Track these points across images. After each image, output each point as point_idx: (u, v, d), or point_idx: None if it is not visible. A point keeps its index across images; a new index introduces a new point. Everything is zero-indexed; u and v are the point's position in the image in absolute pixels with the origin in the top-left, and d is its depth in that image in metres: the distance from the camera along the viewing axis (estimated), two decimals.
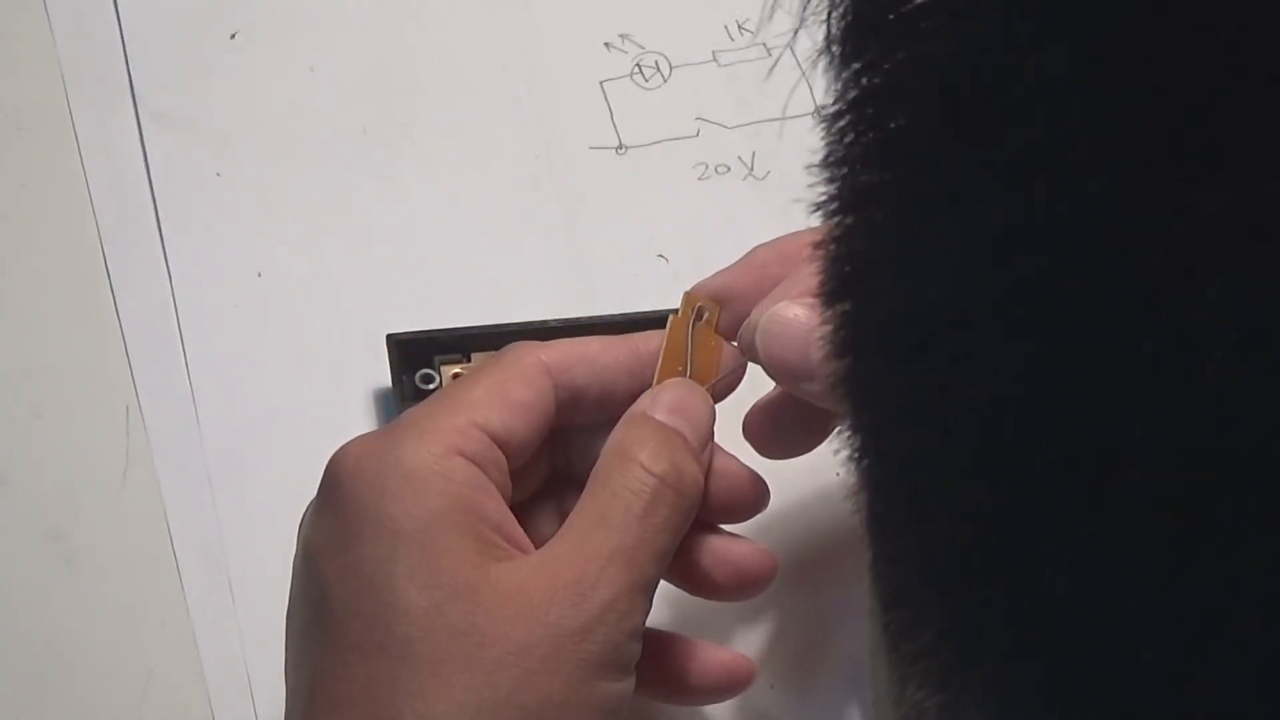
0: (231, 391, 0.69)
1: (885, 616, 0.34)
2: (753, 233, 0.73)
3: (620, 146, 0.75)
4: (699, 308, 0.60)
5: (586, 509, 0.54)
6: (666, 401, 0.57)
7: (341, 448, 0.54)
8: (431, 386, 0.67)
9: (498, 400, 0.55)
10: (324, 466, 0.54)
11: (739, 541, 0.59)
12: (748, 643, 0.64)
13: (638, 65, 0.77)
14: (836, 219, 0.33)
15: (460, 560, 0.52)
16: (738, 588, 0.58)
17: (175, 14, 0.77)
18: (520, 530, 0.54)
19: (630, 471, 0.54)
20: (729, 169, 0.75)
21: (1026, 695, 0.31)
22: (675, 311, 0.60)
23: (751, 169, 0.75)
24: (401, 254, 0.72)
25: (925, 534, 0.33)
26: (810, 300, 0.56)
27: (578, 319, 0.68)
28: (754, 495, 0.59)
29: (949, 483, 0.32)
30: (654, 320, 0.68)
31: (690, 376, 0.59)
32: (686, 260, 0.73)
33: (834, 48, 0.32)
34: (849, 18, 0.32)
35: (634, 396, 0.58)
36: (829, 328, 0.34)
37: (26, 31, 0.76)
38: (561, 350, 0.57)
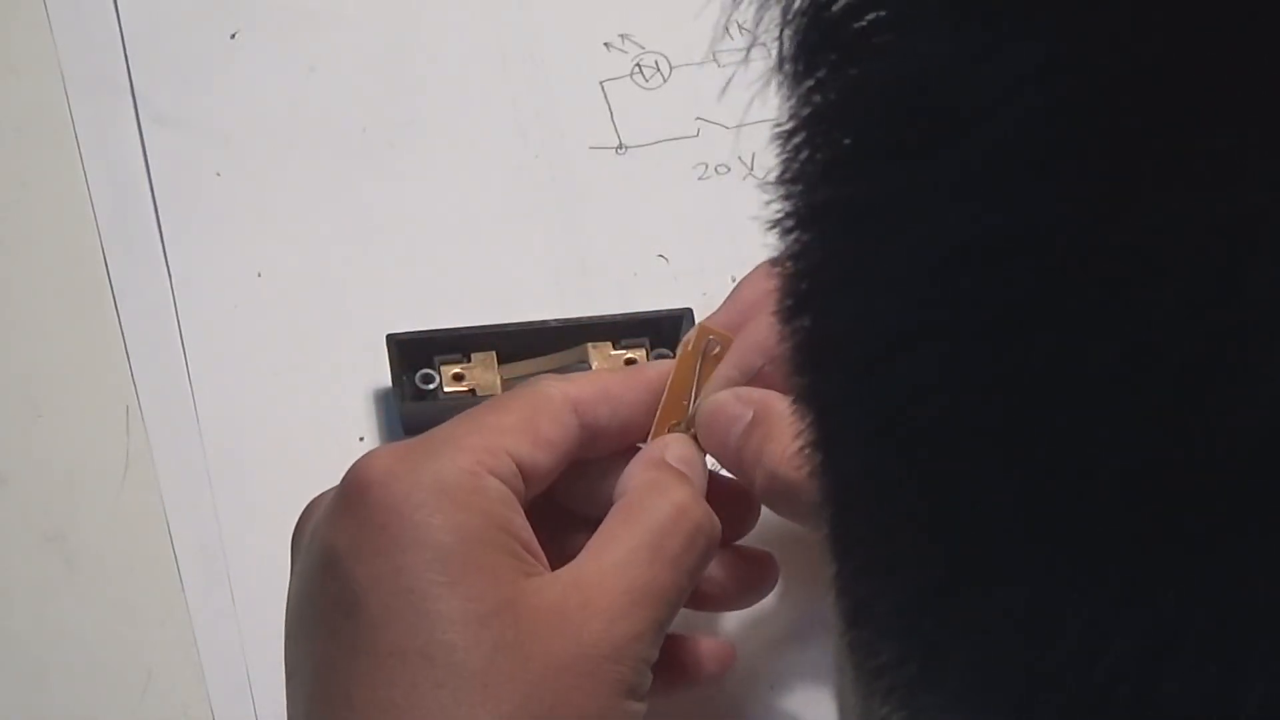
0: (231, 391, 0.69)
1: (848, 633, 0.34)
2: (753, 233, 0.73)
3: (620, 146, 0.75)
4: (709, 341, 0.60)
5: (620, 537, 0.55)
6: (676, 454, 0.58)
7: (368, 455, 0.55)
8: (431, 386, 0.67)
9: (528, 432, 0.56)
10: (347, 472, 0.55)
11: (737, 546, 0.59)
12: (748, 644, 0.64)
13: (638, 65, 0.77)
14: (793, 236, 0.33)
15: (498, 575, 0.53)
16: (738, 593, 0.59)
17: (175, 14, 0.77)
18: (540, 549, 0.55)
19: (667, 513, 0.56)
20: (729, 169, 0.75)
21: (990, 710, 0.31)
22: (687, 343, 0.60)
23: (752, 169, 0.75)
24: (401, 254, 0.73)
25: (885, 549, 0.33)
26: (743, 391, 0.59)
27: (577, 319, 0.68)
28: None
29: (907, 497, 0.31)
30: (653, 320, 0.68)
31: (695, 409, 0.59)
32: (687, 260, 0.73)
33: (786, 65, 0.32)
34: (801, 36, 0.32)
35: (643, 430, 0.59)
36: (789, 344, 0.33)
37: (26, 31, 0.76)
38: (586, 387, 0.58)
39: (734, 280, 0.72)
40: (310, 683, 0.54)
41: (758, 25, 0.32)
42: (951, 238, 0.29)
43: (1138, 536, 0.28)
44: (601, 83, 0.77)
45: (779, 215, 0.33)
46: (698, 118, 0.76)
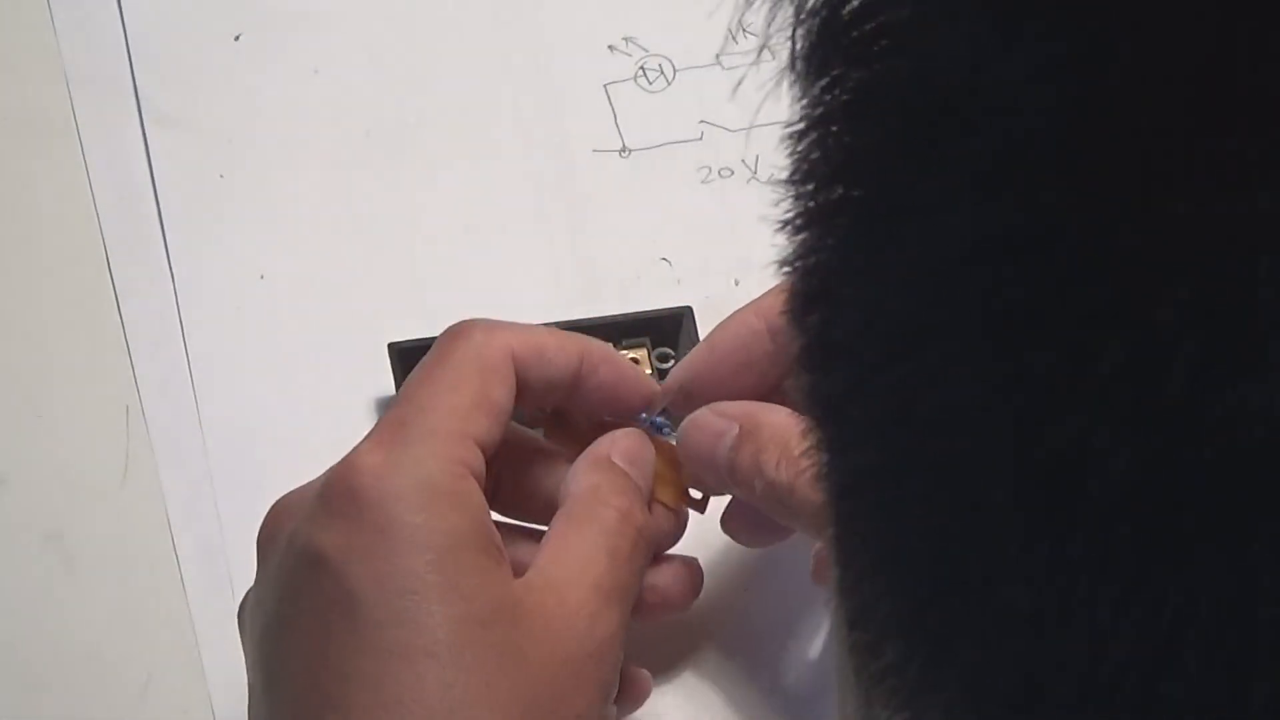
0: (234, 393, 0.69)
1: (850, 635, 0.34)
2: (756, 236, 0.73)
3: (624, 149, 0.75)
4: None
5: (574, 541, 0.57)
6: (622, 451, 0.60)
7: (353, 458, 0.55)
8: None
9: (484, 406, 0.57)
10: (331, 473, 0.55)
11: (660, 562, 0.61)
12: (749, 645, 0.64)
13: (642, 68, 0.77)
14: (803, 234, 0.32)
15: (490, 578, 0.54)
16: (662, 606, 0.60)
17: (179, 15, 0.77)
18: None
19: (614, 517, 0.57)
20: (732, 172, 0.75)
21: (993, 710, 0.31)
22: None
23: (755, 172, 0.75)
24: (405, 256, 0.73)
25: (889, 549, 0.32)
26: (721, 406, 0.60)
27: (578, 320, 0.68)
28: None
29: (912, 496, 0.31)
30: (653, 319, 0.68)
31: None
32: (689, 263, 0.72)
33: (798, 65, 0.32)
34: (813, 36, 0.31)
35: (557, 396, 0.60)
36: (798, 343, 0.33)
37: (30, 33, 0.76)
38: (523, 338, 0.59)
39: (736, 283, 0.72)
40: (298, 679, 0.54)
41: (769, 25, 0.31)
42: (965, 235, 0.29)
43: (1143, 535, 0.28)
44: (605, 85, 0.77)
45: (788, 215, 0.32)
46: (701, 121, 0.76)
